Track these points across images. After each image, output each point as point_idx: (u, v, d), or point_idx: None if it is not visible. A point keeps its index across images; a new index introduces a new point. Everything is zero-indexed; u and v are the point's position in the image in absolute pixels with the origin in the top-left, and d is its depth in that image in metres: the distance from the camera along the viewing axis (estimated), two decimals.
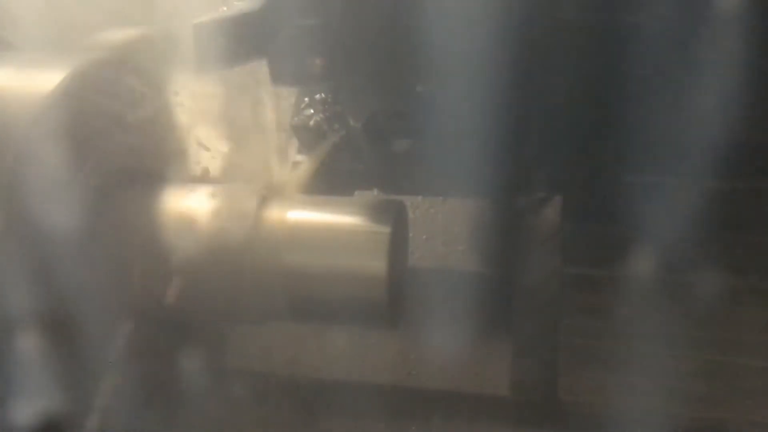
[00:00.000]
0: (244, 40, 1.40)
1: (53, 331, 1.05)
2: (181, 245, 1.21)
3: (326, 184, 1.53)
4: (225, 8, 1.42)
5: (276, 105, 1.70)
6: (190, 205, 1.25)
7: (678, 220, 1.46)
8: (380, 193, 1.68)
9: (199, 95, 1.47)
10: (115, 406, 1.17)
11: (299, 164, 1.56)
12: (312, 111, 1.61)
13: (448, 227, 1.99)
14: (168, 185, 1.28)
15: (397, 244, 1.24)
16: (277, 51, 1.45)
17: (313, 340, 1.79)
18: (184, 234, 1.22)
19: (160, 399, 1.29)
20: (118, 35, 1.35)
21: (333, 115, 1.59)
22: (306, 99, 1.62)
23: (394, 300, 1.23)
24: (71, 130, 1.13)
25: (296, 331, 1.78)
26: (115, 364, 1.17)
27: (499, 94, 1.34)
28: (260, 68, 1.49)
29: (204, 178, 1.41)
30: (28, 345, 1.03)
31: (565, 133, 1.51)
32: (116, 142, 1.23)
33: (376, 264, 1.19)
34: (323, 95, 1.60)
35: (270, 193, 1.28)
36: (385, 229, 1.21)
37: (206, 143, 1.51)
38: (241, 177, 1.52)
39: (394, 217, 1.23)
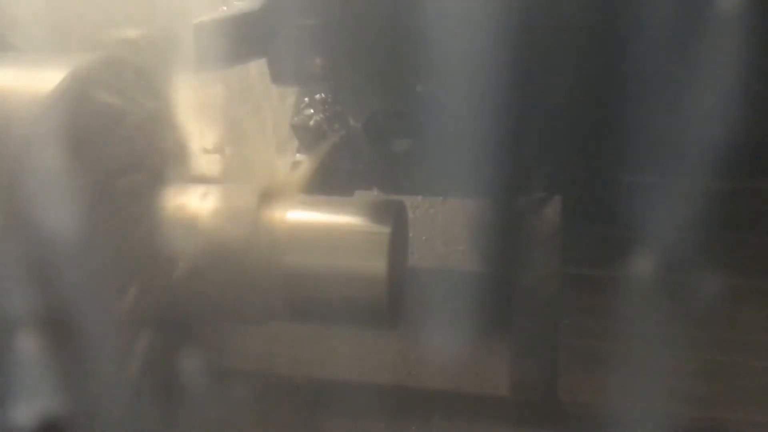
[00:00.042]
0: (244, 39, 1.40)
1: (53, 332, 1.05)
2: (181, 245, 1.21)
3: (326, 184, 1.53)
4: (225, 8, 1.41)
5: (276, 105, 1.70)
6: (190, 205, 1.25)
7: (678, 220, 1.46)
8: (380, 193, 1.68)
9: (199, 95, 1.47)
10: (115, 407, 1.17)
11: (299, 164, 1.56)
12: (312, 111, 1.61)
13: (448, 227, 1.99)
14: (168, 185, 1.28)
15: (397, 244, 1.24)
16: (277, 51, 1.45)
17: (313, 340, 1.79)
18: (184, 234, 1.22)
19: (159, 399, 1.29)
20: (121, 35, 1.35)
21: (333, 115, 1.59)
22: (306, 99, 1.62)
23: (394, 300, 1.23)
24: (71, 130, 1.13)
25: (296, 332, 1.78)
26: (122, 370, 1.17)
27: (499, 94, 1.34)
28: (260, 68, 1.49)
29: (204, 178, 1.41)
30: (28, 345, 1.03)
31: (565, 133, 1.51)
32: (116, 142, 1.23)
33: (376, 264, 1.19)
34: (323, 95, 1.60)
35: (270, 193, 1.28)
36: (385, 229, 1.21)
37: (206, 143, 1.51)
38: (241, 177, 1.52)
39: (394, 217, 1.23)
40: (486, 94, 1.34)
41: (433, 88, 1.45)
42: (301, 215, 1.26)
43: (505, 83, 1.33)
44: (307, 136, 1.61)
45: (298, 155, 1.61)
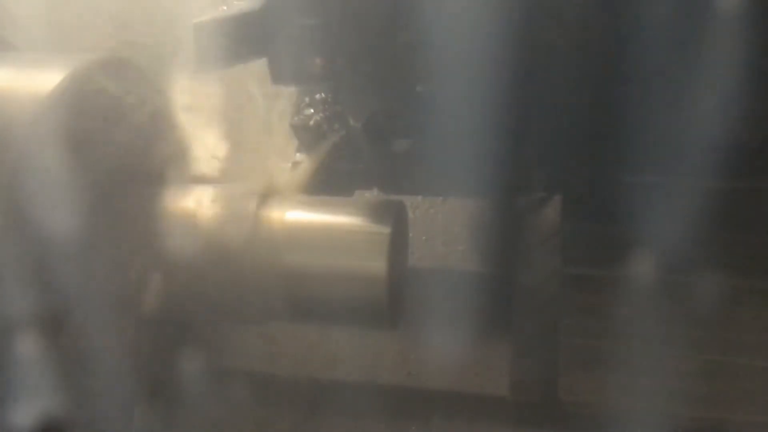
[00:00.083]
0: (244, 39, 1.40)
1: (53, 331, 1.05)
2: (181, 245, 1.21)
3: (326, 184, 1.53)
4: (225, 8, 1.41)
5: (276, 105, 1.70)
6: (189, 206, 1.25)
7: (678, 220, 1.46)
8: (380, 193, 1.68)
9: (198, 95, 1.47)
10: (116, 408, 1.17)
11: (299, 164, 1.56)
12: (312, 111, 1.61)
13: (448, 227, 1.99)
14: (168, 185, 1.28)
15: (397, 245, 1.24)
16: (277, 51, 1.45)
17: (313, 341, 1.79)
18: (184, 234, 1.22)
19: (159, 399, 1.29)
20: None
21: (333, 115, 1.59)
22: (306, 99, 1.62)
23: (394, 300, 1.23)
24: (71, 130, 1.13)
25: (296, 332, 1.78)
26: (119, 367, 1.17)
27: (499, 94, 1.34)
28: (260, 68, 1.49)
29: (204, 179, 1.41)
30: (28, 346, 1.03)
31: (565, 134, 1.51)
32: (116, 142, 1.23)
33: (376, 264, 1.19)
34: (323, 95, 1.60)
35: (270, 194, 1.28)
36: (385, 229, 1.21)
37: (206, 143, 1.51)
38: (241, 177, 1.52)
39: (394, 218, 1.23)
40: (486, 94, 1.34)
41: (433, 88, 1.45)
42: (300, 215, 1.26)
43: (505, 83, 1.33)
44: (307, 136, 1.61)
45: (298, 155, 1.61)
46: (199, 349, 1.33)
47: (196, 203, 1.25)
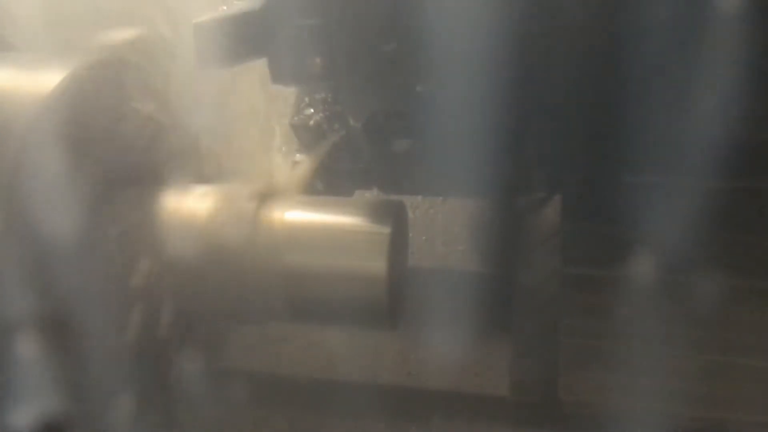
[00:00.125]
0: (244, 39, 1.40)
1: (53, 332, 1.05)
2: (181, 245, 1.21)
3: (326, 184, 1.53)
4: (225, 8, 1.41)
5: (276, 105, 1.70)
6: (189, 206, 1.25)
7: (678, 220, 1.46)
8: (380, 193, 1.68)
9: (199, 95, 1.47)
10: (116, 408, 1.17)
11: (299, 164, 1.56)
12: (312, 110, 1.61)
13: (448, 227, 1.99)
14: (168, 186, 1.28)
15: (397, 245, 1.24)
16: (277, 51, 1.45)
17: (314, 341, 1.79)
18: (183, 234, 1.22)
19: (159, 400, 1.29)
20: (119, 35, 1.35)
21: (333, 115, 1.59)
22: (306, 98, 1.62)
23: (394, 300, 1.23)
24: (71, 131, 1.13)
25: (296, 331, 1.78)
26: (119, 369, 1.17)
27: (499, 94, 1.34)
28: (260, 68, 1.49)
29: (204, 179, 1.41)
30: (27, 346, 1.03)
31: (565, 133, 1.51)
32: (116, 142, 1.23)
33: (376, 264, 1.19)
34: (323, 95, 1.60)
35: (269, 194, 1.28)
36: (385, 230, 1.21)
37: (206, 143, 1.51)
38: (241, 177, 1.52)
39: (394, 218, 1.23)
40: (486, 94, 1.34)
41: (433, 88, 1.45)
42: (300, 215, 1.26)
43: (505, 83, 1.33)
44: (307, 136, 1.61)
45: (298, 155, 1.61)
46: (198, 349, 1.33)
47: (196, 203, 1.25)
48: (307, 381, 1.73)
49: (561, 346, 1.60)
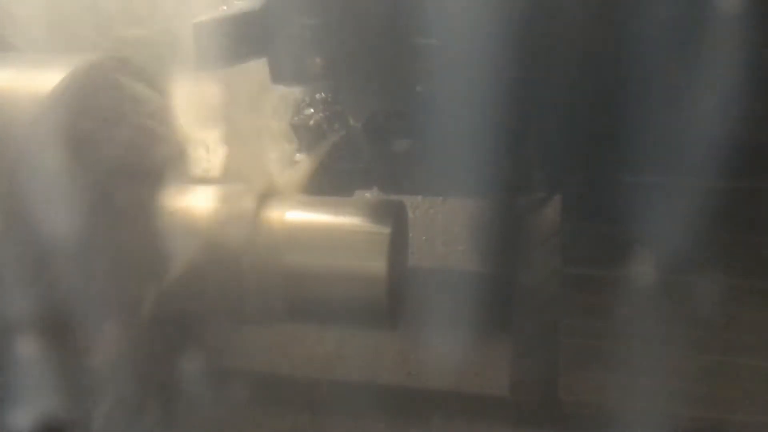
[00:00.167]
0: (244, 39, 1.40)
1: (53, 333, 1.05)
2: (181, 245, 1.21)
3: (326, 184, 1.53)
4: (225, 7, 1.41)
5: (276, 104, 1.70)
6: (189, 206, 1.25)
7: (678, 220, 1.46)
8: (380, 193, 1.68)
9: (198, 95, 1.47)
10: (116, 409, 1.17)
11: (299, 164, 1.56)
12: (312, 110, 1.61)
13: (448, 227, 1.99)
14: (167, 185, 1.28)
15: (397, 245, 1.24)
16: (277, 50, 1.45)
17: (314, 341, 1.79)
18: (183, 234, 1.22)
19: (159, 400, 1.29)
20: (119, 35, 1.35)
21: (333, 115, 1.59)
22: (306, 99, 1.62)
23: (394, 300, 1.23)
24: (71, 131, 1.13)
25: (296, 331, 1.78)
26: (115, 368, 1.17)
27: (499, 94, 1.34)
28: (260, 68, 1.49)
29: (204, 179, 1.41)
30: (27, 347, 1.03)
31: (565, 133, 1.51)
32: (116, 142, 1.23)
33: (376, 264, 1.19)
34: (323, 94, 1.60)
35: (269, 193, 1.28)
36: (385, 230, 1.21)
37: (206, 143, 1.51)
38: (241, 177, 1.52)
39: (394, 218, 1.23)
40: (486, 93, 1.34)
41: (433, 88, 1.45)
42: (300, 215, 1.26)
43: (505, 83, 1.33)
44: (307, 136, 1.61)
45: (298, 155, 1.61)
46: (198, 349, 1.33)
47: (196, 203, 1.25)
48: (307, 381, 1.73)
49: (561, 346, 1.60)
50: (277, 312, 1.25)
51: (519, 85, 1.39)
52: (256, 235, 1.22)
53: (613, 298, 1.56)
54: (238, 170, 1.41)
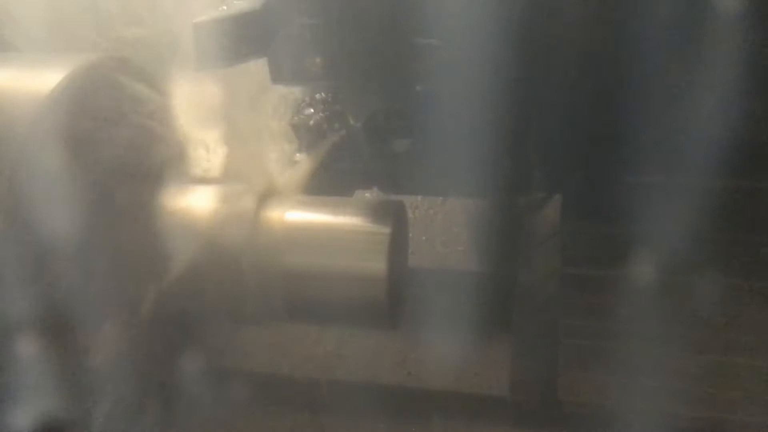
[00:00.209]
0: (244, 39, 1.39)
1: (53, 333, 1.05)
2: (181, 245, 1.21)
3: (326, 184, 1.53)
4: (225, 7, 1.41)
5: (276, 104, 1.70)
6: (189, 206, 1.25)
7: (678, 220, 1.46)
8: (380, 193, 1.68)
9: (198, 95, 1.47)
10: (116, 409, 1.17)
11: (299, 164, 1.56)
12: (312, 110, 1.61)
13: (448, 228, 1.99)
14: (167, 186, 1.28)
15: (397, 245, 1.24)
16: (277, 50, 1.45)
17: (314, 341, 1.79)
18: (183, 234, 1.22)
19: (159, 400, 1.29)
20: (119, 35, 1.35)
21: (333, 115, 1.59)
22: (306, 98, 1.62)
23: (394, 300, 1.23)
24: (71, 130, 1.13)
25: (296, 331, 1.78)
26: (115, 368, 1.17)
27: (499, 94, 1.34)
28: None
29: (204, 179, 1.41)
30: (28, 346, 1.03)
31: (566, 134, 1.51)
32: (115, 142, 1.23)
33: (376, 264, 1.19)
34: (323, 94, 1.60)
35: (269, 194, 1.28)
36: (385, 230, 1.21)
37: (206, 143, 1.51)
38: (241, 177, 1.52)
39: (394, 218, 1.23)
40: (486, 94, 1.34)
41: (433, 88, 1.45)
42: (300, 215, 1.26)
43: (505, 83, 1.33)
44: (307, 136, 1.61)
45: (298, 155, 1.61)
46: (199, 349, 1.33)
47: (196, 203, 1.25)
48: (307, 381, 1.73)
49: (561, 346, 1.60)
50: (277, 312, 1.25)
51: (519, 84, 1.39)
52: (256, 235, 1.22)
53: (613, 298, 1.56)
54: (238, 170, 1.41)
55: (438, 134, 1.47)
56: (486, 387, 1.68)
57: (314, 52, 1.44)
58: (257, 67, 1.50)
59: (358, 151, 1.58)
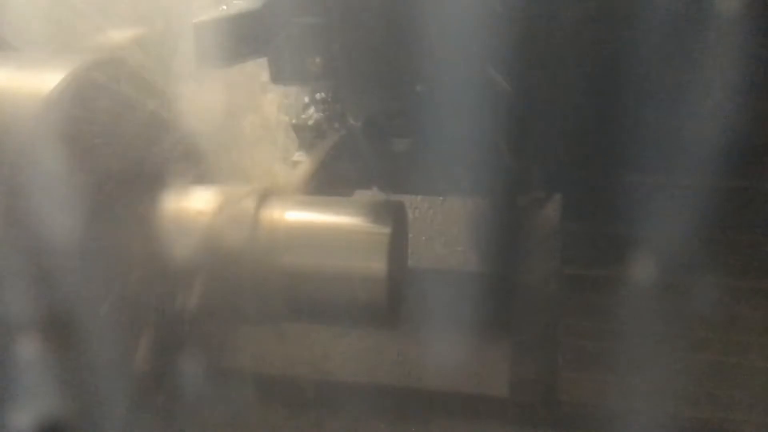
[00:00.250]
0: (244, 39, 1.39)
1: (53, 333, 1.05)
2: (181, 246, 1.21)
3: (326, 184, 1.53)
4: (225, 7, 1.41)
5: (277, 104, 1.70)
6: (189, 206, 1.25)
7: (678, 220, 1.46)
8: (380, 193, 1.68)
9: (198, 95, 1.47)
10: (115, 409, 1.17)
11: (299, 164, 1.56)
12: (312, 110, 1.61)
13: (448, 228, 1.99)
14: (168, 186, 1.28)
15: (397, 245, 1.24)
16: (277, 50, 1.45)
17: (314, 341, 1.79)
18: (184, 235, 1.22)
19: (159, 400, 1.29)
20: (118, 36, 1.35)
21: (333, 114, 1.59)
22: (306, 98, 1.62)
23: (394, 300, 1.23)
24: (71, 131, 1.13)
25: (296, 331, 1.78)
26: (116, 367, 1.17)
27: (499, 93, 1.34)
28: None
29: (204, 179, 1.41)
30: (29, 347, 1.03)
31: (566, 133, 1.51)
32: (116, 142, 1.23)
33: (376, 264, 1.19)
34: (323, 94, 1.60)
35: (269, 194, 1.28)
36: (385, 230, 1.21)
37: (207, 143, 1.51)
38: (241, 177, 1.52)
39: (394, 218, 1.23)
40: (485, 93, 1.34)
41: (433, 88, 1.45)
42: (300, 215, 1.26)
43: (505, 83, 1.33)
44: (307, 136, 1.61)
45: (298, 155, 1.61)
46: (199, 349, 1.33)
47: (196, 203, 1.25)
48: (308, 381, 1.73)
49: (561, 346, 1.60)
50: (278, 312, 1.25)
51: (518, 84, 1.39)
52: (256, 235, 1.22)
53: (613, 298, 1.56)
54: (238, 170, 1.41)
55: (438, 134, 1.46)
56: (486, 387, 1.68)
57: (314, 52, 1.44)
58: (257, 67, 1.50)
59: (358, 151, 1.58)
